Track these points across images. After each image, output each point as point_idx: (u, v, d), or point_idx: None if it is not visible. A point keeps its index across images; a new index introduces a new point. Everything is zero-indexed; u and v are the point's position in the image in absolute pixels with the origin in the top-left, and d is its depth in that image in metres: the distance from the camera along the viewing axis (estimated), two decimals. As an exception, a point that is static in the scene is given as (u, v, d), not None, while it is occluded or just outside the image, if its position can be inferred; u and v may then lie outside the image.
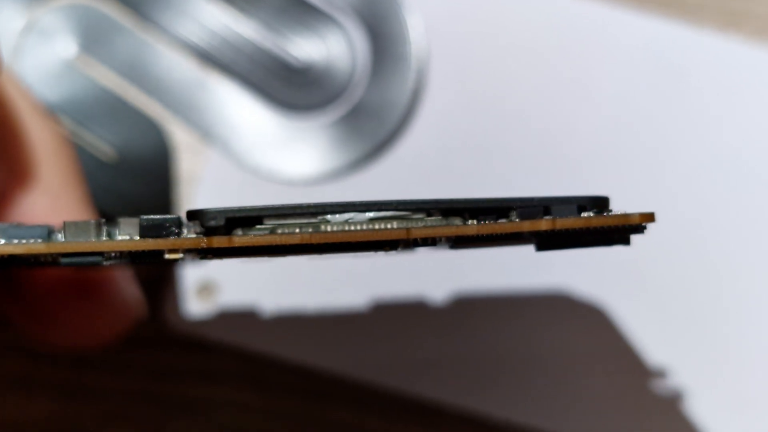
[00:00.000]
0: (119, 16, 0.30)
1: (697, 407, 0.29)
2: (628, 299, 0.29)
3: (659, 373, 0.29)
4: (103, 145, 0.29)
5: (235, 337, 0.29)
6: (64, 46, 0.30)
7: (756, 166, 0.30)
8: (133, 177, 0.29)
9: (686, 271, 0.29)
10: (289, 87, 0.30)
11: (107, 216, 0.28)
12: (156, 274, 0.29)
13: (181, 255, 0.16)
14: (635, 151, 0.29)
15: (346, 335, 0.29)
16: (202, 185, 0.29)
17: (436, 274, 0.29)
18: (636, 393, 0.29)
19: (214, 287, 0.29)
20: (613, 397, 0.29)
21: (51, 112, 0.29)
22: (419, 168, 0.30)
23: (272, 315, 0.29)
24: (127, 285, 0.24)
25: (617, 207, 0.17)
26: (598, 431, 0.29)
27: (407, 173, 0.30)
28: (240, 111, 0.30)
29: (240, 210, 0.16)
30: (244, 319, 0.28)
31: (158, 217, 0.16)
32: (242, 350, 0.29)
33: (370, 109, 0.30)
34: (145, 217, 0.16)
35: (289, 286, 0.29)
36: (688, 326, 0.29)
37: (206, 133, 0.29)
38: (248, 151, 0.29)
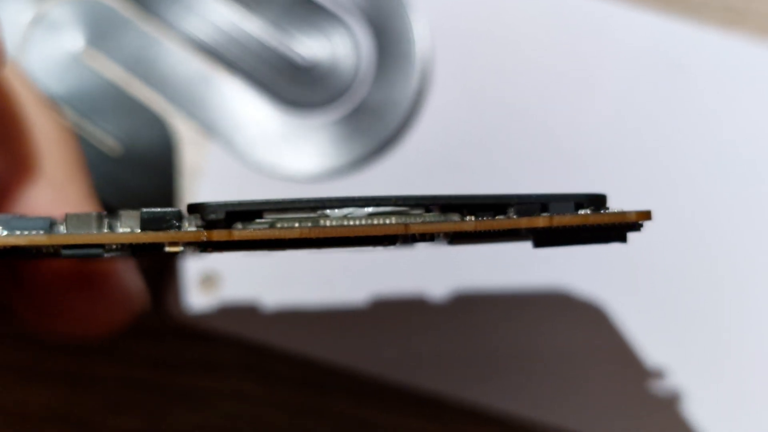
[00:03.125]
0: (126, 11, 0.30)
1: (695, 404, 0.29)
2: (627, 295, 0.29)
3: (657, 369, 0.29)
4: (107, 138, 0.29)
5: (236, 328, 0.29)
6: (71, 40, 0.30)
7: (756, 163, 0.30)
8: (137, 170, 0.29)
9: (685, 268, 0.29)
10: (294, 84, 0.30)
11: (111, 209, 0.29)
12: (159, 266, 0.29)
13: (181, 248, 0.16)
14: (637, 147, 0.30)
15: (347, 327, 0.29)
16: (205, 179, 0.29)
17: (436, 269, 0.29)
18: (633, 387, 0.29)
19: (217, 278, 0.29)
20: (611, 390, 0.29)
21: (55, 104, 0.29)
22: (422, 167, 0.30)
23: (274, 307, 0.29)
24: (129, 276, 0.24)
25: (618, 204, 0.17)
26: (596, 424, 0.29)
27: (410, 172, 0.30)
28: (244, 107, 0.30)
29: (240, 204, 0.16)
30: (245, 310, 0.29)
31: (159, 210, 0.16)
32: (244, 341, 0.29)
33: (374, 108, 0.30)
34: (146, 210, 0.16)
35: (290, 278, 0.29)
36: (686, 322, 0.29)
37: (210, 128, 0.30)
38: (251, 147, 0.30)
